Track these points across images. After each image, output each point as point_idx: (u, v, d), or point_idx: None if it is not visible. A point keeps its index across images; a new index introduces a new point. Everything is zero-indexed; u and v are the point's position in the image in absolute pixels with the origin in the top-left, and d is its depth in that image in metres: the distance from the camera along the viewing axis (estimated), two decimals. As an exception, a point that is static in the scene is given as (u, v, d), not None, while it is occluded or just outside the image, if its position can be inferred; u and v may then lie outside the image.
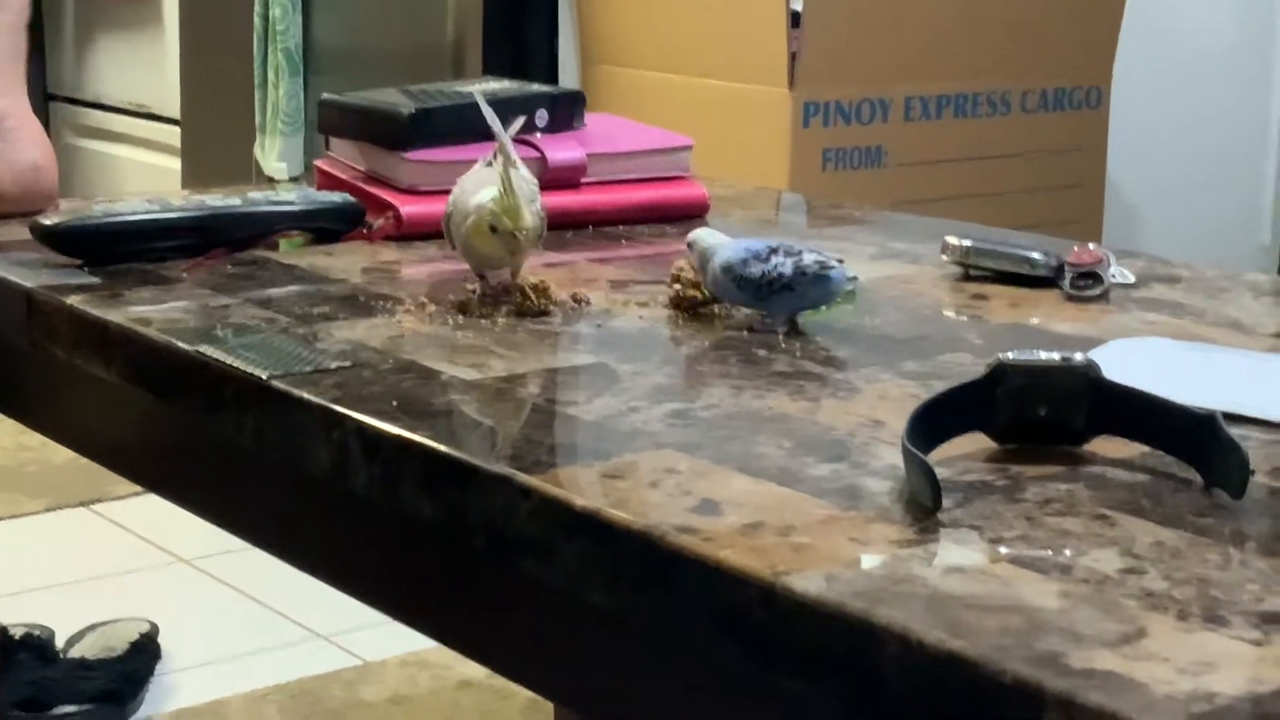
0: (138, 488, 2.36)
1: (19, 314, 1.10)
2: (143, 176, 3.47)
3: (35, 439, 2.52)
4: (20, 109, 1.30)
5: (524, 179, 1.10)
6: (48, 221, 1.15)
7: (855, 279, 1.02)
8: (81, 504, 2.40)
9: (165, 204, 1.19)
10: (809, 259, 0.99)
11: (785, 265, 0.99)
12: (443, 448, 0.79)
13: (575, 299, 1.06)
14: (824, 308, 1.02)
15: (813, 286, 0.99)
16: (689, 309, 1.04)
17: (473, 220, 1.04)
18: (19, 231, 1.23)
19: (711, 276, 1.01)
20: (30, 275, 1.11)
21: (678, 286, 1.04)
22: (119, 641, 1.85)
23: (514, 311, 1.03)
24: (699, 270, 1.03)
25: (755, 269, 0.99)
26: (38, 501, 2.39)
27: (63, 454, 2.54)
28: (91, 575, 2.18)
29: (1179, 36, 3.12)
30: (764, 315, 1.01)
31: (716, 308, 1.04)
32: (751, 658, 0.65)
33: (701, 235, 1.03)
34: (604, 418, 0.84)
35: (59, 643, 1.86)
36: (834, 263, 1.00)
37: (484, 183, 1.06)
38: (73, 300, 1.06)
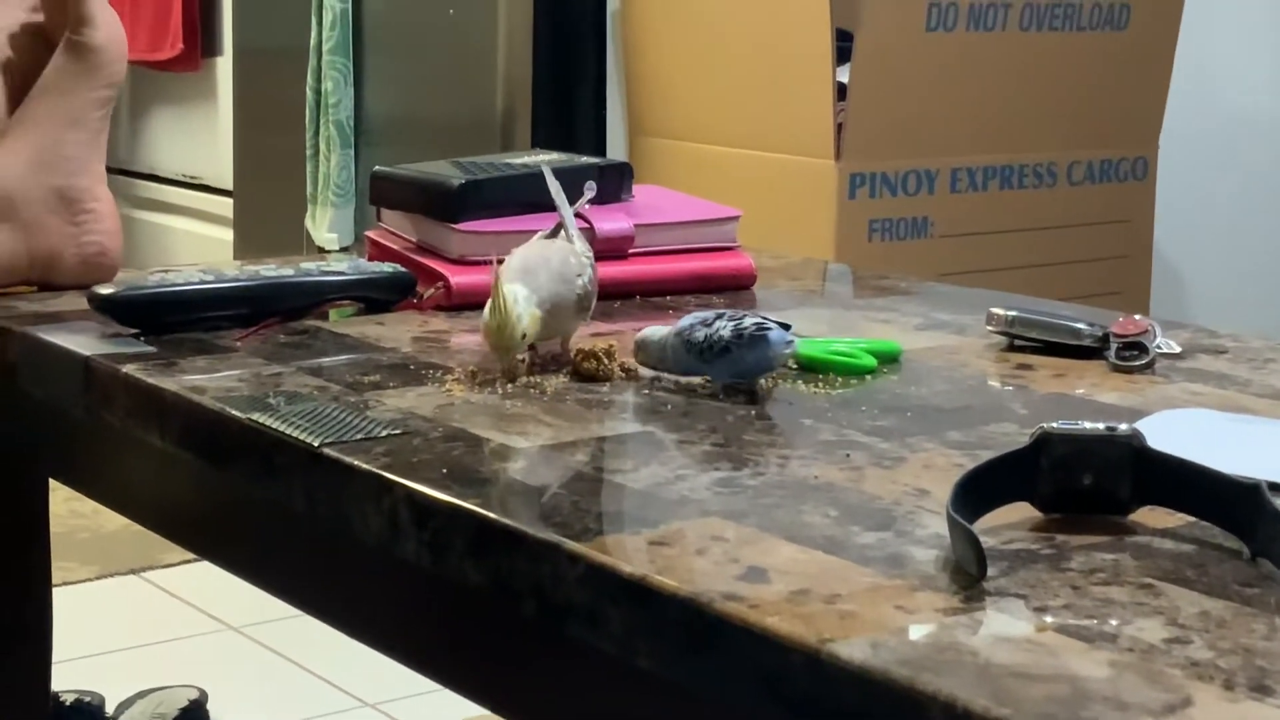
0: (188, 555, 2.38)
1: (76, 382, 1.12)
2: (196, 247, 3.51)
3: (87, 506, 2.54)
4: (98, 190, 1.31)
5: (573, 253, 1.11)
6: (105, 291, 1.17)
7: (792, 343, 1.03)
8: (132, 571, 2.42)
9: (219, 274, 1.21)
10: (748, 322, 1.01)
11: (725, 328, 1.01)
12: (491, 515, 0.80)
13: (624, 369, 1.07)
14: (828, 376, 1.03)
15: (749, 349, 1.01)
16: (590, 378, 1.05)
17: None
18: (77, 301, 1.25)
19: (669, 346, 1.03)
20: (87, 344, 1.13)
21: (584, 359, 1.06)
22: (169, 708, 1.86)
23: (577, 374, 1.05)
24: (649, 364, 1.05)
25: (700, 333, 1.02)
26: (89, 568, 2.41)
27: (114, 522, 2.56)
28: (142, 642, 2.19)
29: (1223, 106, 3.12)
30: (707, 379, 1.03)
31: (610, 384, 1.05)
32: (797, 724, 0.66)
33: (649, 331, 1.05)
34: (651, 485, 0.85)
35: (109, 709, 1.87)
36: (773, 325, 1.01)
37: (526, 265, 1.06)
38: (129, 369, 1.07)
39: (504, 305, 1.03)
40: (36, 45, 1.33)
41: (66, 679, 1.86)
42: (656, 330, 1.05)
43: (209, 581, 2.34)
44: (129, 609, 2.32)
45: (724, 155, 2.54)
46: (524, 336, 1.04)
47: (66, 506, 2.50)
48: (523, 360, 1.09)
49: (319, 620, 0.98)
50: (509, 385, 1.04)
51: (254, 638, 2.21)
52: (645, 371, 1.06)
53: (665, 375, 1.05)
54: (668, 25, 2.63)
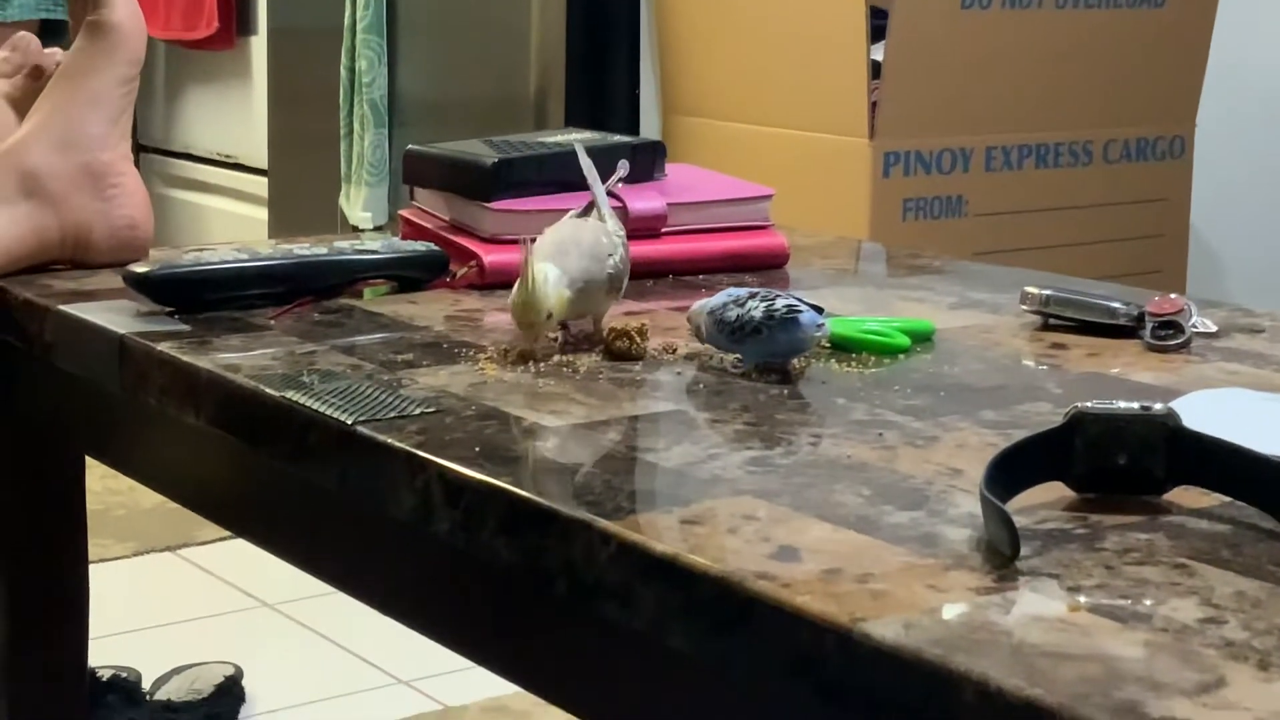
0: (223, 533, 2.39)
1: (111, 360, 1.12)
2: (230, 226, 3.53)
3: (123, 484, 2.55)
4: (124, 165, 1.32)
5: (604, 231, 1.11)
6: (139, 269, 1.18)
7: (824, 325, 1.02)
8: (168, 549, 2.44)
9: (254, 253, 1.21)
10: (780, 303, 1.00)
11: (757, 309, 1.00)
12: (524, 493, 0.80)
13: (666, 348, 1.07)
14: (860, 356, 1.02)
15: (780, 330, 1.00)
16: (622, 357, 1.05)
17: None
18: (111, 280, 1.25)
19: (704, 324, 1.03)
20: (122, 322, 1.14)
21: (616, 338, 1.06)
22: (204, 684, 1.87)
23: (610, 353, 1.05)
24: (697, 336, 1.05)
25: (732, 313, 1.01)
26: (125, 546, 2.42)
27: (150, 499, 2.58)
28: (178, 619, 2.20)
29: (1262, 85, 3.10)
30: (738, 359, 1.03)
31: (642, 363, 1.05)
32: (828, 703, 0.66)
33: (699, 302, 1.05)
34: (684, 464, 0.85)
35: (145, 685, 1.88)
36: (805, 307, 1.01)
37: (558, 244, 1.07)
38: (163, 347, 1.08)
39: (532, 284, 1.03)
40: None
41: (103, 655, 1.87)
42: (701, 301, 1.05)
43: (244, 558, 2.35)
44: (165, 586, 2.33)
45: (757, 134, 2.53)
46: (550, 316, 1.04)
47: (102, 484, 2.51)
48: (554, 339, 1.10)
49: (352, 597, 0.99)
50: (541, 365, 1.04)
51: (289, 614, 2.22)
52: (690, 344, 1.06)
53: (709, 348, 1.05)
54: (701, 3, 2.62)
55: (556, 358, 1.06)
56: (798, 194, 2.16)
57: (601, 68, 2.73)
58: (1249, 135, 3.08)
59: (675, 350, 1.07)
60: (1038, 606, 0.67)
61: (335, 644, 2.13)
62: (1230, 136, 2.97)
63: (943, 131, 2.44)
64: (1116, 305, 1.15)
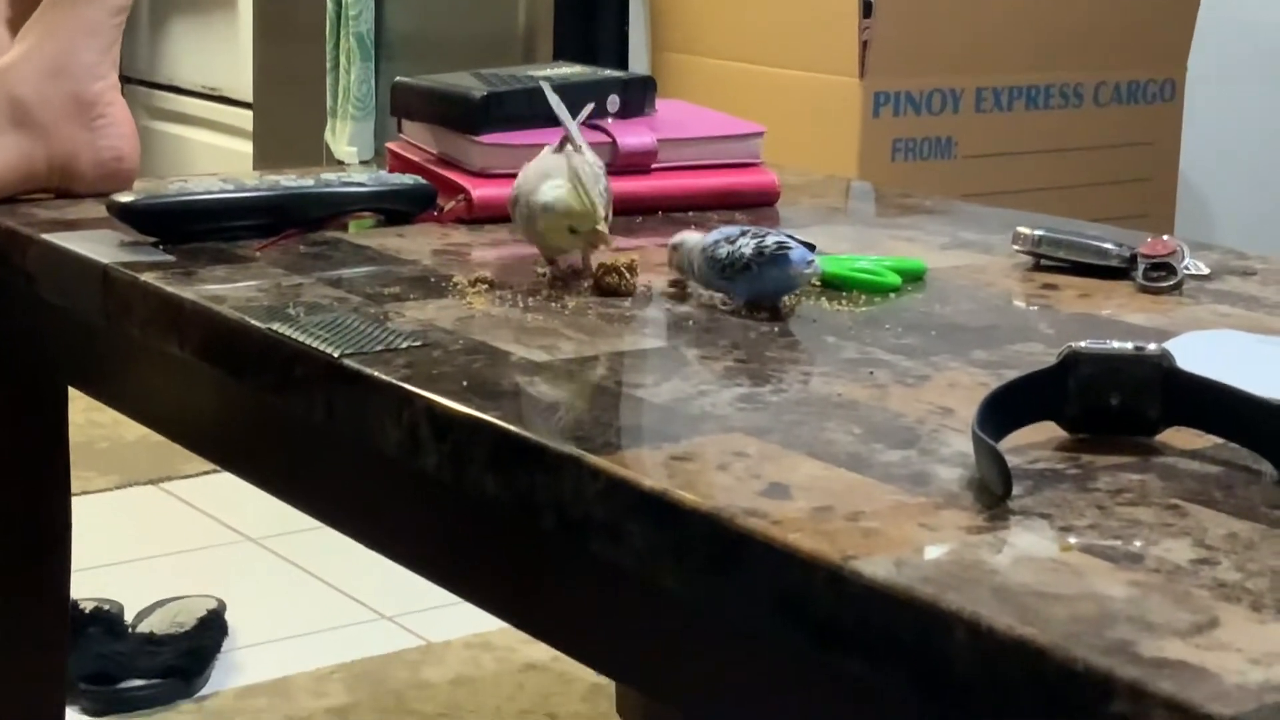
0: (207, 466, 2.39)
1: (95, 290, 1.11)
2: (214, 159, 3.50)
3: (107, 416, 2.54)
4: (113, 95, 1.31)
5: (588, 162, 1.10)
6: (124, 199, 1.16)
7: (814, 263, 1.02)
8: (151, 481, 2.43)
9: (239, 184, 1.20)
10: (770, 240, 1.00)
11: (748, 246, 1.00)
12: (512, 428, 0.79)
13: (673, 287, 1.07)
14: (845, 293, 1.02)
15: (770, 266, 1.00)
16: (611, 292, 1.04)
17: (546, 222, 1.04)
18: (95, 209, 1.24)
19: (695, 261, 1.03)
20: (106, 252, 1.13)
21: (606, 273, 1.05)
22: (187, 617, 1.87)
23: (599, 289, 1.04)
24: (682, 267, 1.04)
25: (723, 250, 1.01)
26: (108, 478, 2.41)
27: (133, 431, 2.56)
28: (160, 552, 2.20)
29: (1254, 30, 3.08)
30: (731, 295, 1.02)
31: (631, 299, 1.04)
32: (818, 642, 0.65)
33: (686, 235, 1.05)
34: (673, 401, 0.84)
35: (128, 617, 1.88)
36: (794, 244, 1.00)
37: (547, 172, 1.06)
38: (147, 277, 1.07)
39: (581, 185, 1.02)
40: None
41: (85, 587, 1.87)
42: (691, 236, 1.04)
43: (228, 492, 2.34)
44: (148, 519, 2.32)
45: (747, 72, 2.51)
46: (607, 220, 1.04)
47: (85, 416, 2.50)
48: (544, 274, 1.09)
49: (338, 532, 0.98)
50: (529, 299, 1.03)
51: (272, 549, 2.22)
52: (672, 277, 1.05)
53: (692, 284, 1.05)
54: (692, -61, 2.60)
55: (545, 292, 1.05)
56: (787, 133, 2.15)
57: (591, 3, 2.71)
58: (1239, 81, 3.06)
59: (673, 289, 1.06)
60: (1029, 546, 0.67)
61: (318, 579, 2.12)
62: (1220, 82, 2.96)
63: (933, 72, 2.42)
64: (1109, 246, 1.14)
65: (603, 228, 1.04)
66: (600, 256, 1.07)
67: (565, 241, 1.06)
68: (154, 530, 2.28)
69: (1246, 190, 3.09)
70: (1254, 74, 3.09)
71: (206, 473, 2.42)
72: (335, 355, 0.90)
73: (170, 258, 1.12)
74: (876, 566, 0.64)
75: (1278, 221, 3.03)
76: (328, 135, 2.95)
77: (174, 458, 2.45)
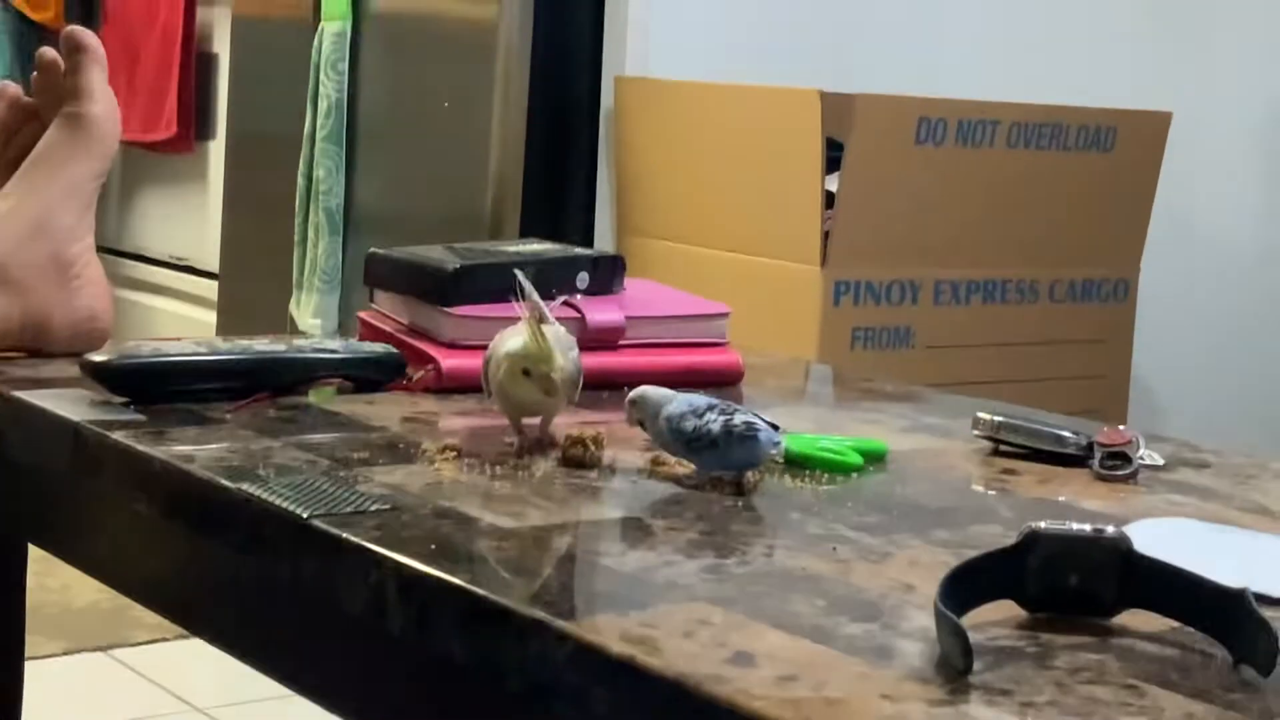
0: (156, 635, 2.36)
1: (65, 447, 1.12)
2: (179, 329, 3.52)
3: (56, 581, 2.52)
4: (89, 256, 1.33)
5: (559, 331, 1.13)
6: (98, 358, 1.18)
7: (780, 444, 1.04)
8: (99, 649, 2.40)
9: (212, 346, 1.22)
10: (739, 419, 1.02)
11: (715, 423, 1.01)
12: (480, 590, 0.80)
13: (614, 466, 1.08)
14: (831, 475, 1.03)
15: (737, 445, 1.01)
16: (577, 464, 1.06)
17: (506, 366, 1.07)
18: (67, 369, 1.25)
19: (656, 428, 1.04)
20: (77, 410, 1.13)
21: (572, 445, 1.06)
22: (130, 787, 1.84)
23: (566, 460, 1.05)
24: (640, 423, 1.06)
25: (689, 423, 1.02)
26: (56, 644, 2.39)
27: (82, 598, 2.54)
28: (107, 719, 2.17)
29: (1206, 234, 3.16)
30: (697, 470, 1.04)
31: (598, 471, 1.06)
32: (781, 809, 0.66)
33: (646, 391, 1.06)
34: (639, 570, 0.85)
35: (70, 785, 1.85)
36: (764, 425, 1.02)
37: (519, 334, 1.08)
38: (118, 435, 1.07)
39: (540, 336, 1.04)
40: None
41: (29, 753, 1.84)
42: (652, 393, 1.06)
43: (176, 661, 2.32)
44: (96, 686, 2.30)
45: (711, 257, 2.56)
46: (560, 371, 1.05)
47: (36, 581, 2.48)
48: (510, 443, 1.10)
49: (301, 694, 0.98)
50: (497, 468, 1.04)
51: (219, 720, 2.20)
52: (645, 453, 1.07)
53: (643, 452, 1.06)
54: (660, 127, 2.66)
55: (511, 462, 1.06)
56: (749, 318, 2.18)
57: (559, 186, 2.76)
58: (1192, 283, 3.13)
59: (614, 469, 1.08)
60: None
61: (265, 751, 2.10)
62: (1174, 284, 3.02)
63: (893, 263, 2.47)
64: (1066, 434, 1.16)
65: (556, 375, 1.06)
66: (568, 429, 1.09)
67: (522, 389, 1.07)
68: (101, 698, 2.25)
69: (1197, 390, 3.14)
70: (1204, 277, 3.16)
71: (155, 641, 2.40)
72: (304, 516, 0.91)
73: (141, 417, 1.13)
74: (840, 735, 0.65)
75: (1227, 421, 3.07)
76: (292, 307, 2.98)
77: (123, 625, 2.43)
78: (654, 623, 0.77)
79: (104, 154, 1.34)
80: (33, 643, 2.31)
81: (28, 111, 1.37)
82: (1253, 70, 3.16)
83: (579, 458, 1.06)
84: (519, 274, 1.20)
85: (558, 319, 1.17)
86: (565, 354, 1.09)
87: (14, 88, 1.38)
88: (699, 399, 1.04)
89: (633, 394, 1.07)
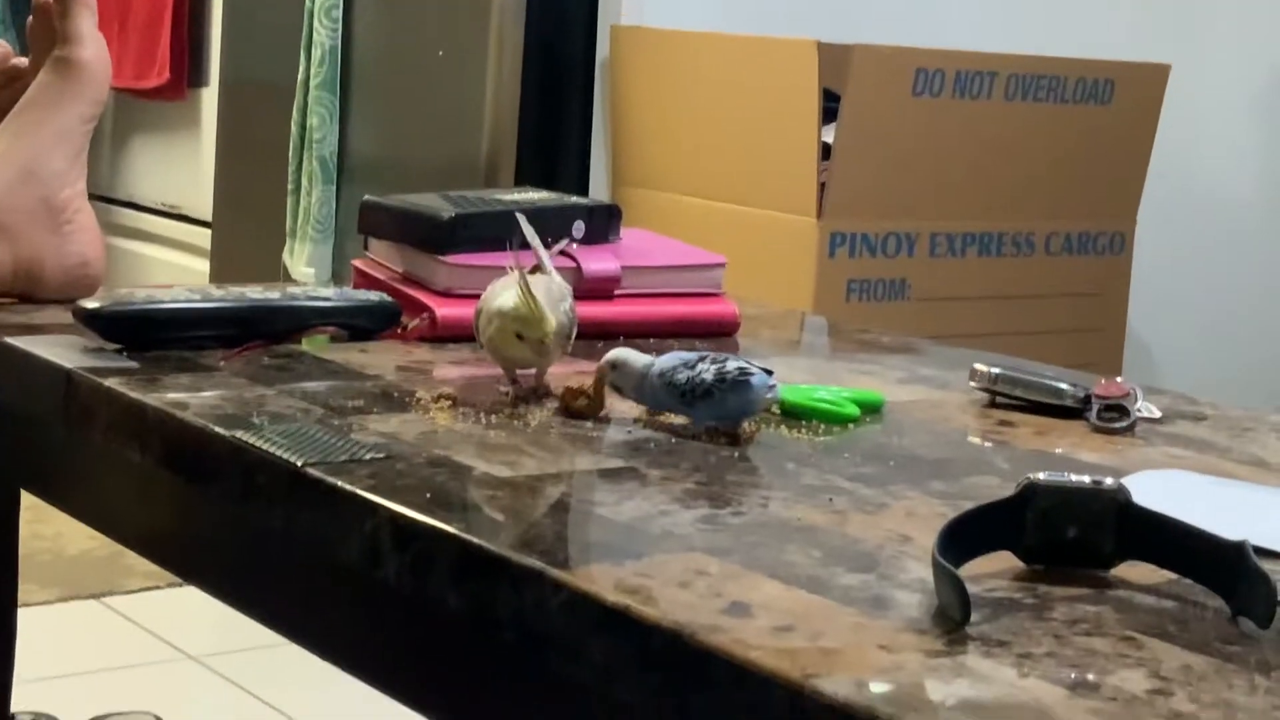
0: (149, 582, 2.36)
1: (57, 395, 1.11)
2: (172, 277, 3.50)
3: (49, 529, 2.52)
4: (80, 201, 1.32)
5: (554, 282, 1.12)
6: (91, 305, 1.17)
7: (775, 388, 1.03)
8: (93, 596, 2.40)
9: (206, 294, 1.21)
10: (731, 366, 1.01)
11: (708, 371, 1.01)
12: (475, 539, 0.80)
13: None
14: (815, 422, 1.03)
15: (731, 393, 1.01)
16: (578, 415, 1.05)
17: (496, 326, 1.06)
18: (59, 315, 1.24)
19: (645, 387, 1.03)
20: (70, 357, 1.13)
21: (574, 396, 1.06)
22: (124, 734, 1.85)
23: (566, 411, 1.05)
24: (621, 387, 1.05)
25: (682, 375, 1.01)
26: (49, 591, 2.39)
27: (75, 545, 2.54)
28: (100, 667, 2.17)
29: (1203, 187, 3.15)
30: (690, 421, 1.03)
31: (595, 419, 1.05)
32: (778, 759, 0.66)
33: (625, 355, 1.05)
34: (635, 519, 0.85)
35: (64, 732, 1.85)
36: (756, 370, 1.01)
37: (508, 285, 1.07)
38: (111, 383, 1.07)
39: (532, 299, 1.03)
40: None
41: (23, 700, 1.84)
42: (633, 356, 1.05)
43: (170, 609, 2.32)
44: (88, 633, 2.30)
45: (706, 208, 2.55)
46: (552, 335, 1.04)
47: (29, 529, 2.47)
48: (506, 392, 1.10)
49: (294, 643, 0.98)
50: (492, 417, 1.04)
51: (212, 667, 2.20)
52: (617, 400, 1.06)
53: (637, 404, 1.05)
54: (655, 77, 2.64)
55: (507, 410, 1.06)
56: (744, 269, 2.17)
57: (554, 135, 2.74)
58: (1188, 236, 3.12)
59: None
60: (988, 671, 0.67)
61: (257, 698, 2.10)
62: (1170, 236, 3.01)
63: (889, 215, 2.46)
64: (1063, 386, 1.16)
65: (549, 339, 1.05)
66: (567, 380, 1.08)
67: (514, 349, 1.07)
68: (94, 645, 2.25)
69: (1193, 343, 3.14)
70: (1201, 231, 3.15)
71: (148, 589, 2.40)
72: (299, 464, 0.91)
73: (134, 364, 1.12)
74: (837, 686, 0.64)
75: (1222, 375, 3.07)
76: (286, 256, 2.97)
77: (116, 573, 2.43)
78: (649, 572, 0.76)
79: (94, 99, 1.33)
80: (25, 590, 2.31)
81: (15, 73, 1.36)
82: (1251, 23, 3.15)
83: (579, 409, 1.05)
84: (520, 217, 1.19)
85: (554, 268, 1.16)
86: (558, 306, 1.08)
87: (4, 46, 1.37)
88: (687, 354, 1.03)
89: (609, 357, 1.05)
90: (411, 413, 1.04)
